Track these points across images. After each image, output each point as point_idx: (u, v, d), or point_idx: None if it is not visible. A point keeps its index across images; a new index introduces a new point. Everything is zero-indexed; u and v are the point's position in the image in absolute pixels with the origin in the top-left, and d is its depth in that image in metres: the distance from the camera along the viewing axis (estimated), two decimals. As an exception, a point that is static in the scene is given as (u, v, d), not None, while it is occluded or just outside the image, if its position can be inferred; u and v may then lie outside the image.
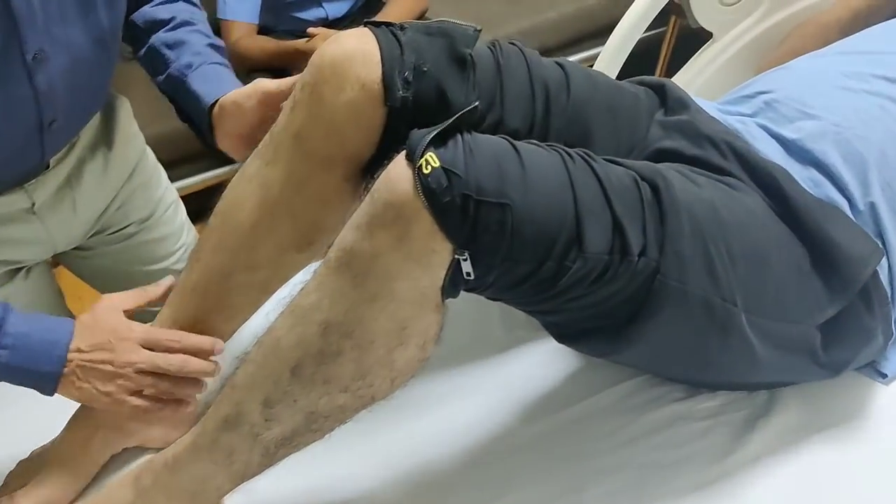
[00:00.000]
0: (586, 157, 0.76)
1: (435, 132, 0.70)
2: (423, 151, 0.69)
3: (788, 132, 0.91)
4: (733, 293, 0.78)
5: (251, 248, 0.90)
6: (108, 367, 0.85)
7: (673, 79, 1.45)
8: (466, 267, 0.71)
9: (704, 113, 0.93)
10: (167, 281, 0.97)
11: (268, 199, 0.88)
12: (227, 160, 2.07)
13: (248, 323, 0.96)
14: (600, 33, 2.34)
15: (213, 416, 0.79)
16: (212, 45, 1.11)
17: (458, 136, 0.71)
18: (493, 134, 0.86)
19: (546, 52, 2.25)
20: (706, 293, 0.77)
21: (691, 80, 1.44)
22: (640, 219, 0.75)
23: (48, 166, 1.08)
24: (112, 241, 1.25)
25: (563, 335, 0.85)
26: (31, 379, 0.86)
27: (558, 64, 0.91)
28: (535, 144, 0.76)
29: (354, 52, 0.84)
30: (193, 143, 2.05)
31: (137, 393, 0.87)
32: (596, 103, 0.91)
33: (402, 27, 0.86)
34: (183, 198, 2.11)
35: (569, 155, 0.75)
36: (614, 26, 2.25)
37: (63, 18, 0.92)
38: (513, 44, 0.91)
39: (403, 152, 0.71)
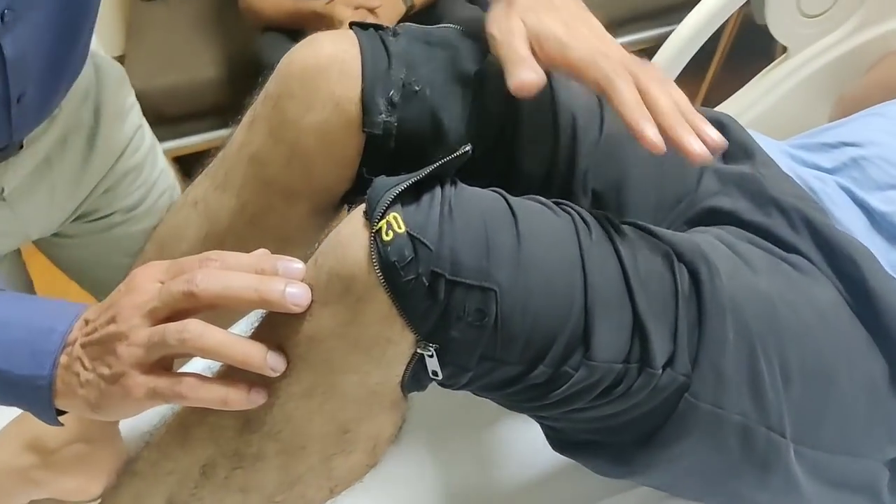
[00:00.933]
0: (607, 225, 0.58)
1: (405, 184, 0.53)
2: (386, 209, 0.52)
3: (877, 202, 0.72)
4: (782, 420, 0.60)
5: None
6: (111, 328, 0.55)
7: (733, 98, 1.24)
8: (432, 364, 0.55)
9: (774, 166, 0.74)
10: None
11: (214, 230, 0.73)
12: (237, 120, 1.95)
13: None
14: (648, 17, 2.12)
15: None
16: None
17: (438, 190, 0.54)
18: (502, 176, 0.70)
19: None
20: (747, 420, 0.59)
21: (754, 101, 1.22)
22: (672, 318, 0.57)
23: (21, 146, 0.92)
24: (93, 229, 1.08)
25: (559, 442, 0.68)
26: (15, 390, 0.57)
27: None
28: (539, 203, 0.58)
29: (330, 61, 0.67)
30: (202, 98, 1.97)
31: (153, 369, 0.54)
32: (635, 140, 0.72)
33: (394, 32, 0.68)
34: (185, 157, 2.01)
35: (584, 222, 0.57)
36: (663, 9, 2.04)
37: None
38: None
39: (362, 207, 0.54)
